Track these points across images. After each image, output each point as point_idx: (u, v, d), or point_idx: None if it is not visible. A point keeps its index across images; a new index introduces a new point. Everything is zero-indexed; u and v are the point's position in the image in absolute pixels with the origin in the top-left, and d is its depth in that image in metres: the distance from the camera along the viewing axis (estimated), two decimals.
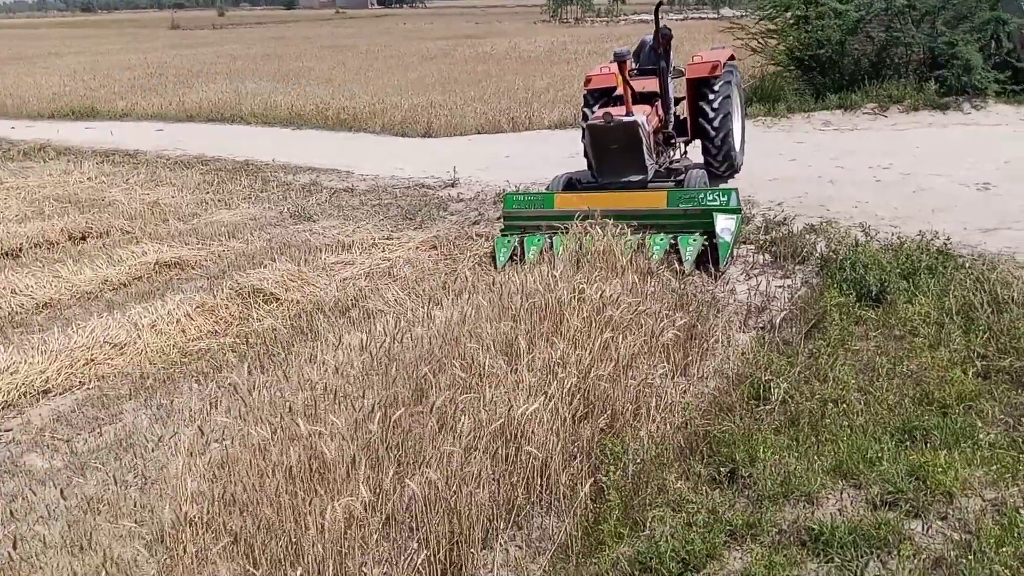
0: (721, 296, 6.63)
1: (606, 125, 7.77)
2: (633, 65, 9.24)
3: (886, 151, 10.89)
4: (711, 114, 8.89)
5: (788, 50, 14.84)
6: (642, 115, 7.90)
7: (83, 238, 9.97)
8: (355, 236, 9.24)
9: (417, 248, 8.70)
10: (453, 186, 11.35)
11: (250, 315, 7.13)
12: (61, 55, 37.93)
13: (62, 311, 7.60)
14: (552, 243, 7.27)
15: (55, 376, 6.13)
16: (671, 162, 8.82)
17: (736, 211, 7.21)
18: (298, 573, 3.23)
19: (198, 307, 7.12)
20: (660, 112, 8.58)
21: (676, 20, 41.09)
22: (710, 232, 7.07)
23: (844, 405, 4.64)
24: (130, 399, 5.77)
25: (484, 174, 11.62)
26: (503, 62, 24.88)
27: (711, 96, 8.87)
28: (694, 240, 7.02)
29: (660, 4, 8.99)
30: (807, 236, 7.70)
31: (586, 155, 8.49)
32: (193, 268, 8.58)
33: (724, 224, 7.06)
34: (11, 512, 4.16)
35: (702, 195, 7.25)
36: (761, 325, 6.05)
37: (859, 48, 14.17)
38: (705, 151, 9.26)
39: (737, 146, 9.57)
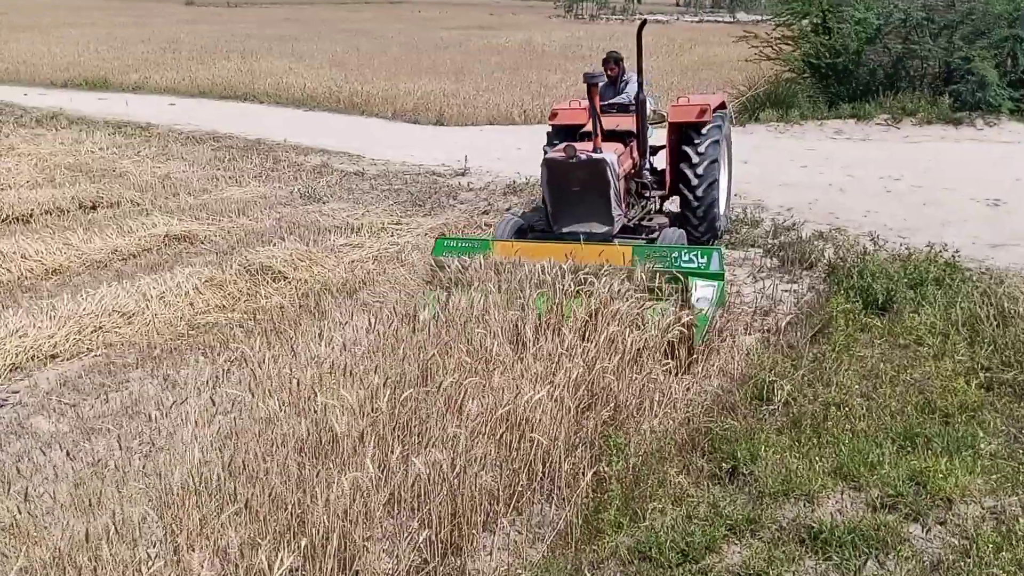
0: (727, 298, 6.65)
1: (567, 161, 6.40)
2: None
3: (897, 162, 10.92)
4: (695, 167, 7.34)
5: (804, 57, 14.85)
6: (613, 154, 6.52)
7: (93, 207, 10.01)
8: (364, 219, 9.27)
9: (426, 234, 8.73)
10: (463, 175, 11.39)
11: (258, 292, 7.17)
12: (75, 25, 37.85)
13: (71, 278, 7.64)
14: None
15: (63, 341, 6.17)
16: (643, 217, 7.36)
17: (718, 276, 5.89)
18: (303, 544, 3.27)
19: (207, 281, 7.16)
20: (635, 155, 7.16)
21: (691, 22, 41.01)
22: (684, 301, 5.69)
23: (847, 409, 4.69)
24: (137, 368, 5.81)
25: (495, 165, 11.64)
26: (517, 55, 24.87)
27: (696, 146, 7.39)
28: (663, 311, 5.40)
29: (644, 23, 7.29)
30: (815, 242, 7.75)
31: (543, 200, 7.01)
32: (202, 243, 8.62)
33: (702, 292, 5.74)
34: (18, 471, 4.19)
35: (676, 254, 5.92)
36: (766, 327, 6.08)
37: (875, 59, 14.21)
38: (684, 208, 7.59)
39: (722, 207, 8.00)
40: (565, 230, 6.61)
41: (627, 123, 7.19)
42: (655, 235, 6.89)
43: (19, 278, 7.60)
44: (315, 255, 7.86)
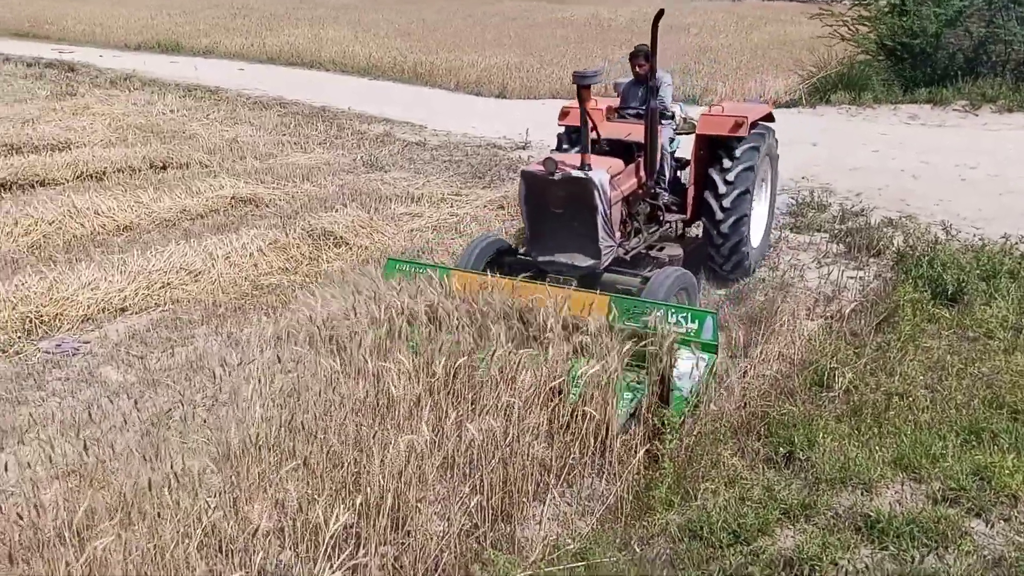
0: (790, 282, 6.53)
1: (546, 176, 5.32)
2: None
3: (975, 151, 10.52)
4: (723, 188, 6.19)
5: (879, 39, 14.37)
6: (605, 172, 5.41)
7: (164, 167, 10.26)
8: (424, 189, 9.32)
9: (485, 206, 8.75)
10: (524, 148, 11.34)
11: (320, 256, 7.29)
12: None
13: (141, 235, 7.86)
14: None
15: (132, 296, 6.37)
16: (651, 247, 6.15)
17: (710, 347, 4.63)
18: (358, 501, 3.33)
19: (271, 244, 7.30)
20: (641, 172, 6.00)
21: (764, 0, 39.97)
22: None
23: (910, 400, 4.58)
24: (202, 324, 5.96)
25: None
26: (583, 28, 24.55)
27: (727, 164, 6.22)
28: (633, 389, 4.42)
29: (661, 13, 5.67)
30: (884, 229, 7.54)
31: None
32: (267, 206, 8.77)
33: (684, 367, 4.47)
34: (89, 416, 4.35)
35: (661, 313, 4.62)
36: (829, 314, 5.95)
37: (955, 42, 13.67)
38: (708, 239, 6.43)
39: (756, 240, 6.70)
40: (542, 259, 5.55)
41: (637, 133, 6.11)
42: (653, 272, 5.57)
43: (92, 233, 7.86)
44: (376, 223, 7.94)
